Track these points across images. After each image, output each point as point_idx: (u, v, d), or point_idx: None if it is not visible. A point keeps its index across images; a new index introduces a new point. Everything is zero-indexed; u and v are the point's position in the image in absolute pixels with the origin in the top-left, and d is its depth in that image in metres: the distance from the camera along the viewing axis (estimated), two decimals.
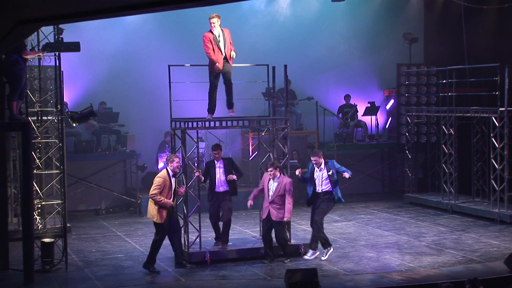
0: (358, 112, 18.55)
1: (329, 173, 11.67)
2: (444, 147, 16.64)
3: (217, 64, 11.82)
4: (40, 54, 11.85)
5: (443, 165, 16.72)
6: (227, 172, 12.06)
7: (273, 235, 12.11)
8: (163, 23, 17.73)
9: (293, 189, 11.83)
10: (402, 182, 18.94)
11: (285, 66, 12.33)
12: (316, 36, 19.08)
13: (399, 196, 18.26)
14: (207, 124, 12.09)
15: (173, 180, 11.19)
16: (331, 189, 11.74)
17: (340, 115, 18.60)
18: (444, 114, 16.56)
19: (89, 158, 16.61)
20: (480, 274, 10.41)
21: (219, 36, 11.86)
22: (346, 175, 11.72)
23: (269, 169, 11.57)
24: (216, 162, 12.16)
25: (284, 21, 19.07)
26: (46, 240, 11.50)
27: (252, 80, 13.56)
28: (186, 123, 11.82)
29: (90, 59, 16.92)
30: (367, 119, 18.80)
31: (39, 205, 12.85)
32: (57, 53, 11.75)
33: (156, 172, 17.03)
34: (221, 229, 12.20)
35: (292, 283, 10.04)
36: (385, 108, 19.57)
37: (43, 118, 12.79)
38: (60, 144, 12.09)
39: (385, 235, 13.86)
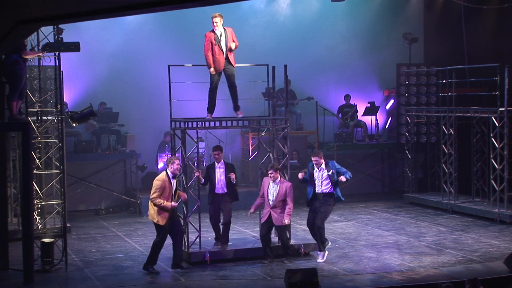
0: (358, 112, 18.55)
1: (329, 173, 11.66)
2: (444, 147, 16.64)
3: (211, 68, 11.86)
4: (40, 54, 11.85)
5: (443, 165, 16.72)
6: (226, 175, 12.06)
7: (272, 235, 12.14)
8: (163, 23, 17.73)
9: (293, 190, 11.82)
10: (402, 182, 18.94)
11: (285, 66, 12.33)
12: (316, 36, 19.08)
13: (399, 196, 18.26)
14: (207, 124, 12.09)
15: (173, 182, 11.16)
16: (331, 190, 11.70)
17: (340, 115, 18.60)
18: (444, 114, 16.56)
19: (89, 158, 16.61)
20: (480, 274, 10.40)
21: (220, 36, 11.86)
22: (343, 178, 11.62)
23: (269, 172, 11.56)
24: (216, 163, 12.16)
25: (284, 21, 19.07)
26: (46, 240, 11.50)
27: (252, 80, 13.56)
28: (186, 123, 11.82)
29: (90, 59, 16.92)
30: (367, 119, 18.81)
31: (39, 205, 12.85)
32: (57, 53, 11.75)
33: (156, 172, 17.05)
34: (221, 230, 12.21)
35: (292, 283, 10.04)
36: (385, 108, 19.57)
37: (43, 118, 12.79)
38: (60, 144, 12.09)
39: (385, 235, 13.86)
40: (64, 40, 11.78)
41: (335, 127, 18.75)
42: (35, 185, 12.14)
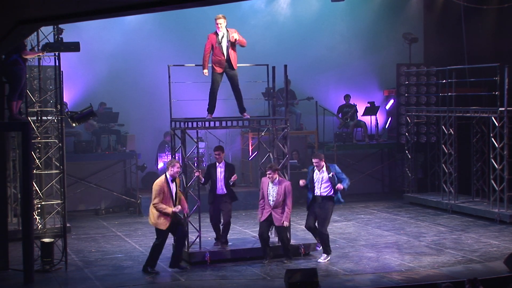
0: (357, 112, 18.55)
1: (329, 175, 11.63)
2: (444, 147, 16.64)
3: (205, 70, 11.91)
4: (40, 54, 11.85)
5: (443, 165, 16.72)
6: (227, 175, 12.05)
7: (272, 235, 12.14)
8: (163, 23, 17.73)
9: (293, 190, 11.80)
10: (402, 182, 18.94)
11: (285, 66, 12.32)
12: (316, 36, 19.08)
13: (399, 196, 18.26)
14: (207, 124, 12.08)
15: (172, 185, 11.14)
16: (330, 193, 11.65)
17: (340, 115, 18.60)
18: (444, 114, 16.56)
19: (89, 158, 16.60)
20: (480, 274, 10.40)
21: (222, 37, 11.87)
22: (340, 187, 11.56)
23: (268, 172, 11.53)
24: (217, 164, 12.15)
25: (284, 21, 19.07)
26: (46, 240, 11.50)
27: (252, 80, 13.56)
28: (186, 123, 11.81)
29: (90, 59, 16.92)
30: (367, 119, 18.81)
31: (39, 205, 12.85)
32: (56, 53, 11.74)
33: (156, 172, 17.08)
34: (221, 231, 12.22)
35: (292, 283, 10.04)
36: (385, 108, 19.57)
37: (43, 118, 12.78)
38: (60, 144, 12.09)
39: (385, 235, 13.87)
40: (64, 40, 11.78)
41: (335, 127, 18.75)
42: (35, 185, 12.14)
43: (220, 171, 12.10)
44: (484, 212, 15.26)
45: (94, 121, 16.42)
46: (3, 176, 11.73)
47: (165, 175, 11.14)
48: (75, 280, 10.95)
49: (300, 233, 13.16)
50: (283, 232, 11.66)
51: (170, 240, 11.59)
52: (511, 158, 14.93)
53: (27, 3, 7.14)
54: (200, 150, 15.70)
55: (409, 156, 17.96)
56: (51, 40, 11.81)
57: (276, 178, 11.53)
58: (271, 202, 11.52)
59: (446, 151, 16.55)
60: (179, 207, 11.16)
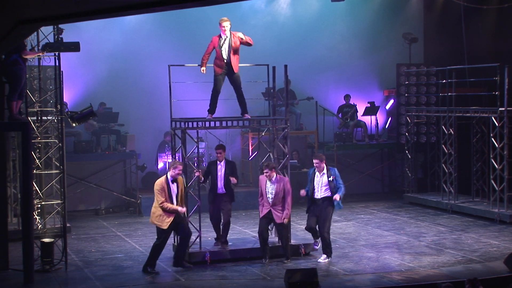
0: (357, 112, 18.55)
1: (329, 179, 11.61)
2: (444, 147, 16.64)
3: (202, 68, 11.99)
4: (40, 54, 11.84)
5: (443, 165, 16.72)
6: (227, 172, 12.05)
7: (272, 235, 12.13)
8: (163, 23, 17.72)
9: (293, 189, 11.79)
10: (402, 182, 18.94)
11: (285, 66, 12.32)
12: (316, 36, 19.08)
13: (399, 196, 18.26)
14: (207, 124, 12.09)
15: (173, 186, 11.14)
16: (329, 194, 11.67)
17: (340, 115, 18.60)
18: (444, 114, 16.56)
19: (89, 158, 16.60)
20: (480, 274, 10.40)
21: (224, 41, 11.90)
22: (337, 198, 11.51)
23: (265, 171, 11.50)
24: (218, 162, 12.15)
25: (284, 21, 19.07)
26: (46, 240, 11.50)
27: (252, 80, 13.56)
28: (186, 123, 11.82)
29: (89, 59, 16.92)
30: (366, 119, 18.81)
31: (39, 205, 12.85)
32: (56, 53, 11.75)
33: (156, 172, 17.08)
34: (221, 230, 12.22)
35: (292, 283, 10.04)
36: (385, 108, 19.57)
37: (43, 118, 12.78)
38: (60, 144, 12.09)
39: (384, 235, 13.87)
40: (64, 40, 11.78)
41: (335, 127, 18.75)
42: (35, 185, 12.13)
43: (220, 169, 12.09)
44: (484, 212, 15.26)
45: (94, 121, 16.42)
46: (3, 176, 11.73)
47: (166, 175, 11.15)
48: (75, 280, 10.95)
49: (300, 233, 13.16)
50: (283, 229, 11.64)
51: (170, 240, 11.60)
52: (511, 158, 14.93)
53: (27, 3, 7.15)
54: (200, 150, 15.70)
55: (409, 156, 17.96)
56: (51, 40, 11.81)
57: (273, 176, 11.50)
58: (269, 200, 11.50)
59: (446, 151, 16.55)
60: (185, 208, 11.22)
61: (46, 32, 11.93)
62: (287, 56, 16.22)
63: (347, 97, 18.63)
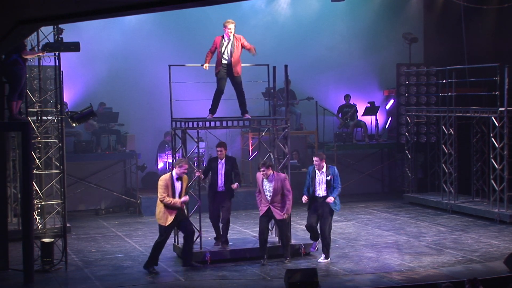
0: (357, 112, 18.56)
1: (327, 178, 11.62)
2: (444, 147, 16.64)
3: (205, 64, 12.08)
4: (40, 54, 11.84)
5: (443, 165, 16.72)
6: (227, 171, 12.04)
7: (272, 235, 12.12)
8: (163, 23, 17.72)
9: (292, 188, 11.77)
10: (402, 182, 18.94)
11: (286, 66, 12.32)
12: (316, 36, 19.09)
13: (399, 196, 18.26)
14: (207, 124, 12.09)
15: (177, 183, 11.13)
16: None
17: (340, 115, 18.60)
18: (444, 114, 16.56)
19: (89, 158, 16.60)
20: (480, 274, 10.40)
21: (226, 44, 11.93)
22: (330, 200, 11.51)
23: (261, 169, 11.47)
24: (219, 160, 12.13)
25: (284, 21, 19.08)
26: (46, 240, 11.50)
27: (252, 80, 13.56)
28: (187, 123, 11.82)
29: (89, 59, 16.92)
30: (367, 119, 18.81)
31: (39, 205, 12.85)
32: (56, 53, 11.75)
33: (156, 172, 17.08)
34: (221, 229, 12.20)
35: (292, 283, 10.04)
36: (385, 108, 19.58)
37: (43, 118, 12.79)
38: (60, 144, 12.09)
39: (384, 235, 13.87)
40: (64, 40, 11.78)
41: (335, 127, 18.75)
42: (35, 185, 12.13)
43: (221, 167, 12.06)
44: (484, 212, 15.26)
45: (94, 121, 16.43)
46: (3, 176, 11.72)
47: (171, 173, 11.17)
48: (75, 280, 10.95)
49: (300, 233, 13.16)
50: (283, 226, 11.62)
51: (170, 240, 11.59)
52: (511, 158, 14.93)
53: (27, 3, 7.15)
54: (201, 150, 15.70)
55: (409, 156, 17.96)
56: (51, 40, 11.81)
57: (270, 174, 11.47)
58: (268, 198, 11.47)
59: (446, 151, 16.55)
60: (187, 196, 11.23)
61: (46, 32, 11.93)
62: (287, 56, 16.23)
63: (347, 97, 18.63)
